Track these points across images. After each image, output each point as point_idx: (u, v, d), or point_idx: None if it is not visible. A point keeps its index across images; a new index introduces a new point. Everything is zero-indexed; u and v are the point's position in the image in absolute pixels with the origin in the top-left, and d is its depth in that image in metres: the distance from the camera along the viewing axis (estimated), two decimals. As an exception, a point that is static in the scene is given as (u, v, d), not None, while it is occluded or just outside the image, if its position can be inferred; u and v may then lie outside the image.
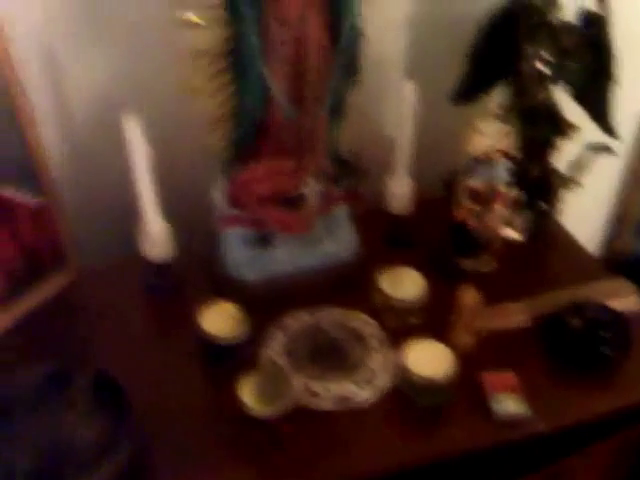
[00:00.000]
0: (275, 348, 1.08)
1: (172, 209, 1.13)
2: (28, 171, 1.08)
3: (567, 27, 1.13)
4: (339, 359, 1.07)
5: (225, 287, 1.14)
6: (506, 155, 1.12)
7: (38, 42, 1.11)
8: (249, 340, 1.05)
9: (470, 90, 1.23)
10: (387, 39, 1.29)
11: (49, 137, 1.14)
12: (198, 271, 1.21)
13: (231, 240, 1.15)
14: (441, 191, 1.23)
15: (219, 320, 1.05)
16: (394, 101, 1.16)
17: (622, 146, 1.28)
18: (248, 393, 0.94)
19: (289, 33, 0.98)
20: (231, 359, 1.04)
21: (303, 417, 0.97)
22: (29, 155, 1.07)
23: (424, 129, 1.16)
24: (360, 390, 1.02)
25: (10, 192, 1.07)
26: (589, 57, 1.15)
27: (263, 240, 1.15)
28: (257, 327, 1.08)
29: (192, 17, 0.94)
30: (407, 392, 1.01)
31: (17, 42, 1.00)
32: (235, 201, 1.12)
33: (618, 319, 1.09)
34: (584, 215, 1.44)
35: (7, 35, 0.98)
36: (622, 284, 1.21)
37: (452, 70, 1.24)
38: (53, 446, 0.86)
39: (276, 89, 1.00)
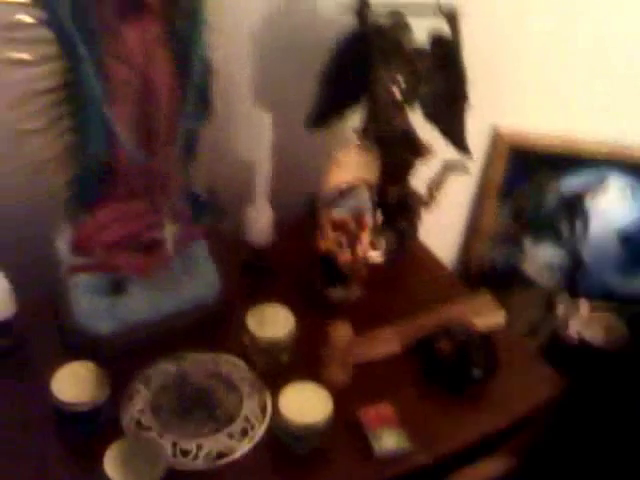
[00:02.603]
0: (139, 407, 0.99)
1: (13, 261, 1.01)
2: None
3: (419, 51, 1.12)
4: (210, 411, 1.00)
5: (77, 343, 1.04)
6: (366, 182, 1.10)
7: None
8: (110, 402, 0.96)
9: (323, 115, 1.20)
10: (238, 68, 1.24)
11: None
12: (46, 328, 1.08)
13: (79, 290, 1.04)
14: (306, 220, 1.19)
15: (73, 383, 0.94)
16: (249, 131, 1.11)
17: (474, 162, 1.29)
18: (115, 465, 0.86)
19: (132, 72, 0.90)
20: (92, 427, 0.94)
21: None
22: None
23: (284, 157, 1.12)
24: (235, 443, 0.96)
25: None
26: (442, 80, 1.15)
27: (116, 287, 1.05)
28: (118, 385, 0.98)
29: (23, 55, 0.84)
30: (283, 439, 0.96)
31: None
32: (81, 249, 1.02)
33: (485, 341, 1.10)
34: (441, 231, 1.47)
35: None
36: (485, 300, 1.23)
37: (307, 96, 1.20)
38: None
39: (120, 132, 0.92)
